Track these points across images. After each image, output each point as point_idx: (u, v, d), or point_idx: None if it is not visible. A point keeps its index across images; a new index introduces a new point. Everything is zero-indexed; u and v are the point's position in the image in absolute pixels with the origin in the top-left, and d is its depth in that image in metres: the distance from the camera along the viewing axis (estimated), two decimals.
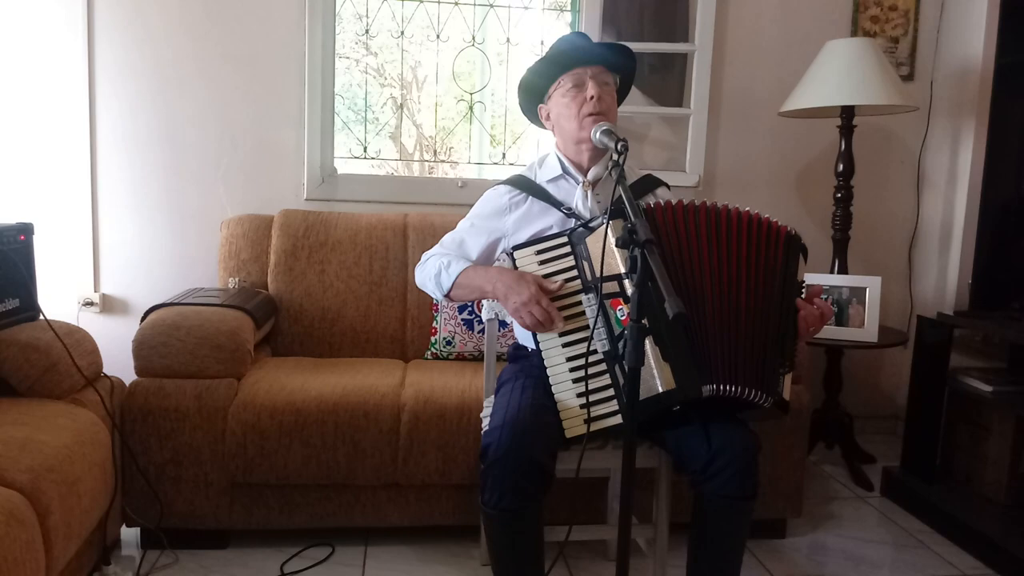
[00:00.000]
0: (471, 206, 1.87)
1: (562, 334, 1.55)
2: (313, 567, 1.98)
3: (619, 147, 1.45)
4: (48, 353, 1.78)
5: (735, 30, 2.95)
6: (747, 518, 1.52)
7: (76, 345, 1.85)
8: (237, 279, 2.50)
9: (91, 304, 2.72)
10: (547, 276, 1.58)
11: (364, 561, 2.03)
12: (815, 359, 2.71)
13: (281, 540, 2.07)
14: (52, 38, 2.60)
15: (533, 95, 1.81)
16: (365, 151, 2.96)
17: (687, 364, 1.46)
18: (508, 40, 2.95)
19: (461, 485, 2.03)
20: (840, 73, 2.55)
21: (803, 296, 1.57)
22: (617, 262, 1.50)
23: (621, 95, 1.82)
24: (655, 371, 1.46)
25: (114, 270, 2.73)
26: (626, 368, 1.26)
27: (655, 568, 1.74)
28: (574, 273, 1.57)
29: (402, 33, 2.90)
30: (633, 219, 1.28)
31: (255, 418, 1.95)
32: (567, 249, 1.59)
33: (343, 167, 2.90)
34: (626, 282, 1.48)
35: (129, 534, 2.06)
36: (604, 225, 1.50)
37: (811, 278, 2.56)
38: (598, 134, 1.62)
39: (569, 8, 3.02)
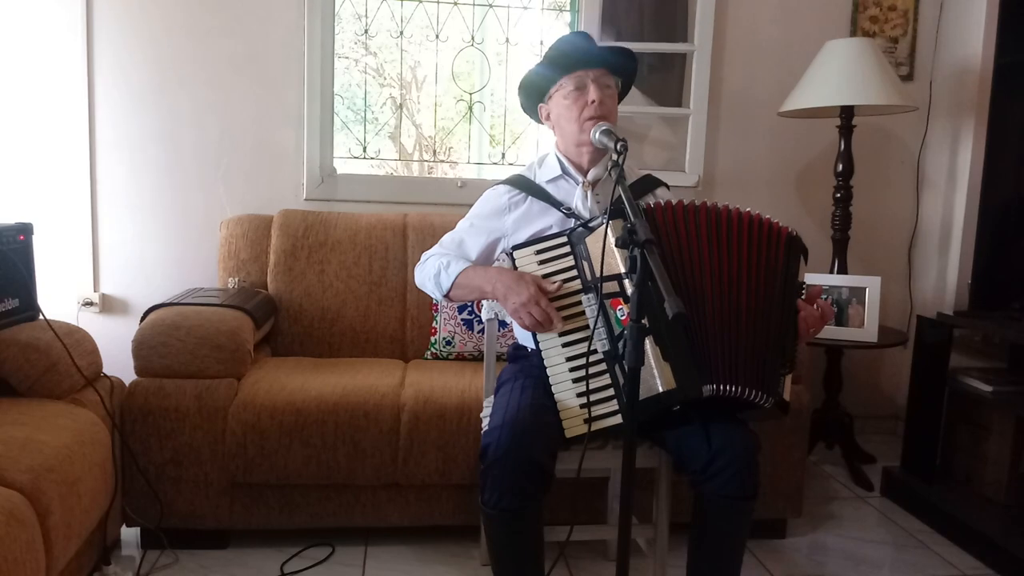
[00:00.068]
0: (470, 206, 1.87)
1: (562, 334, 1.55)
2: (313, 567, 1.98)
3: (619, 147, 1.45)
4: (48, 353, 1.78)
5: (735, 30, 2.95)
6: (747, 518, 1.52)
7: (76, 345, 1.85)
8: (237, 279, 2.50)
9: (91, 304, 2.72)
10: (547, 276, 1.58)
11: (364, 561, 2.03)
12: (815, 359, 2.71)
13: (281, 540, 2.07)
14: (52, 38, 2.60)
15: (534, 95, 1.81)
16: (364, 151, 2.96)
17: (687, 364, 1.46)
18: (507, 40, 2.95)
19: (461, 485, 2.03)
20: (840, 73, 2.55)
21: (803, 297, 1.57)
22: (617, 262, 1.50)
23: (621, 95, 1.82)
24: (655, 371, 1.46)
25: (114, 270, 2.73)
26: (626, 368, 1.26)
27: (655, 568, 1.74)
28: (574, 273, 1.57)
29: (401, 33, 2.90)
30: (633, 219, 1.28)
31: (255, 418, 1.95)
32: (567, 249, 1.59)
33: (343, 167, 2.90)
34: (626, 282, 1.48)
35: (129, 534, 2.06)
36: (604, 225, 1.50)
37: (811, 278, 2.56)
38: (597, 134, 1.63)
39: (568, 8, 3.02)
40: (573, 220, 1.70)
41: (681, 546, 1.66)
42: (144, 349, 1.97)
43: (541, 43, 2.96)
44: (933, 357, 2.45)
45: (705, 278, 1.51)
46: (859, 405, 3.09)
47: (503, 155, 3.01)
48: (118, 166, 2.69)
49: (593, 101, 1.67)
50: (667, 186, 1.84)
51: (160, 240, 2.73)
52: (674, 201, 1.57)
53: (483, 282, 1.65)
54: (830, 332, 2.59)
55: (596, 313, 1.48)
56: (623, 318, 1.48)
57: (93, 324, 2.64)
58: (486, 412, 1.77)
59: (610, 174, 1.44)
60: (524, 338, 1.82)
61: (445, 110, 3.04)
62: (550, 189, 1.78)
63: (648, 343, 1.45)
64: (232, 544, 2.07)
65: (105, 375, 1.98)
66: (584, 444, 1.47)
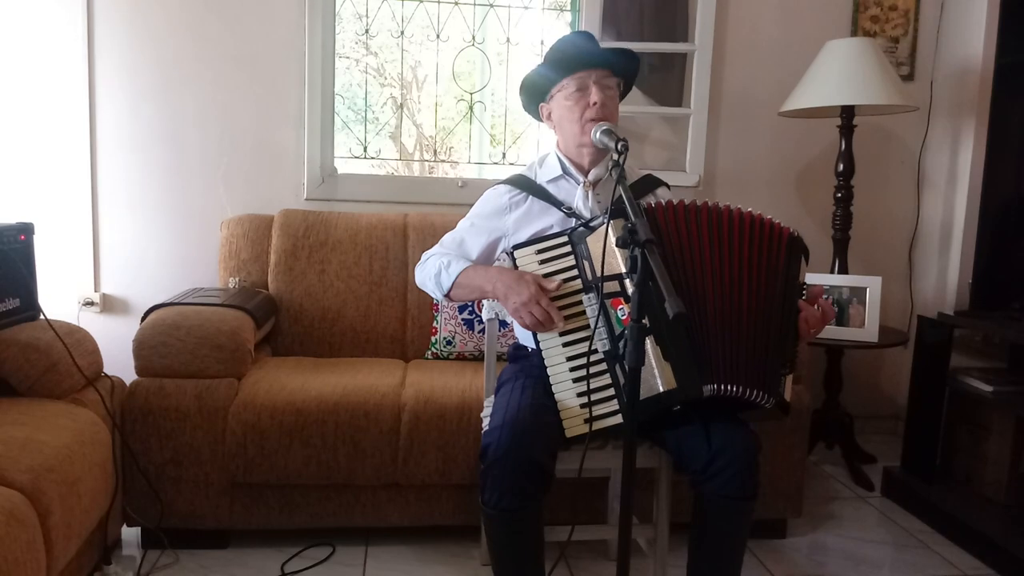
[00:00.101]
0: (471, 206, 1.87)
1: (563, 334, 1.55)
2: (313, 567, 1.98)
3: (619, 147, 1.45)
4: (48, 353, 1.78)
5: (735, 30, 2.95)
6: (748, 518, 1.52)
7: (76, 345, 1.85)
8: (237, 279, 2.50)
9: (91, 304, 2.72)
10: (547, 276, 1.58)
11: (364, 561, 2.03)
12: (815, 359, 2.72)
13: (281, 540, 2.07)
14: (52, 38, 2.60)
15: (535, 94, 1.81)
16: (365, 151, 2.96)
17: (688, 364, 1.46)
18: (508, 40, 2.95)
19: (461, 485, 2.03)
20: (840, 73, 2.55)
21: (804, 298, 1.57)
22: (618, 262, 1.50)
23: (622, 95, 1.82)
24: (656, 371, 1.46)
25: (114, 270, 2.73)
26: (627, 368, 1.26)
27: (655, 568, 1.74)
28: (574, 273, 1.57)
29: (402, 33, 2.90)
30: (633, 219, 1.28)
31: (255, 418, 1.95)
32: (567, 249, 1.59)
33: (343, 167, 2.90)
34: (627, 282, 1.48)
35: (129, 534, 2.06)
36: (605, 225, 1.50)
37: (811, 278, 2.56)
38: (598, 134, 1.62)
39: (569, 8, 3.02)
40: (574, 220, 1.70)
41: (681, 546, 1.66)
42: (144, 349, 1.97)
43: (542, 43, 2.96)
44: (933, 357, 2.45)
45: (706, 278, 1.51)
46: (859, 405, 3.09)
47: (504, 155, 3.01)
48: (119, 166, 2.69)
49: (595, 103, 1.67)
50: (668, 186, 1.84)
51: (161, 240, 2.73)
52: (675, 201, 1.57)
53: (484, 281, 1.65)
54: (830, 332, 2.59)
55: (597, 313, 1.48)
56: (624, 318, 1.48)
57: (94, 324, 2.64)
58: (486, 412, 1.77)
59: (611, 174, 1.44)
60: (525, 338, 1.82)
61: (446, 110, 3.04)
62: (551, 189, 1.78)
63: (649, 343, 1.45)
64: (232, 544, 2.07)
65: (105, 375, 1.98)
66: (585, 444, 1.47)
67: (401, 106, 3.13)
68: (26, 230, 1.88)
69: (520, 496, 1.45)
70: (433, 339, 2.45)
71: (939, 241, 3.01)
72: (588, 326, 1.52)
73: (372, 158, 3.00)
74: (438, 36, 2.91)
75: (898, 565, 2.12)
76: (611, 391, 1.51)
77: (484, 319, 1.93)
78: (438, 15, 2.89)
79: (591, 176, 1.76)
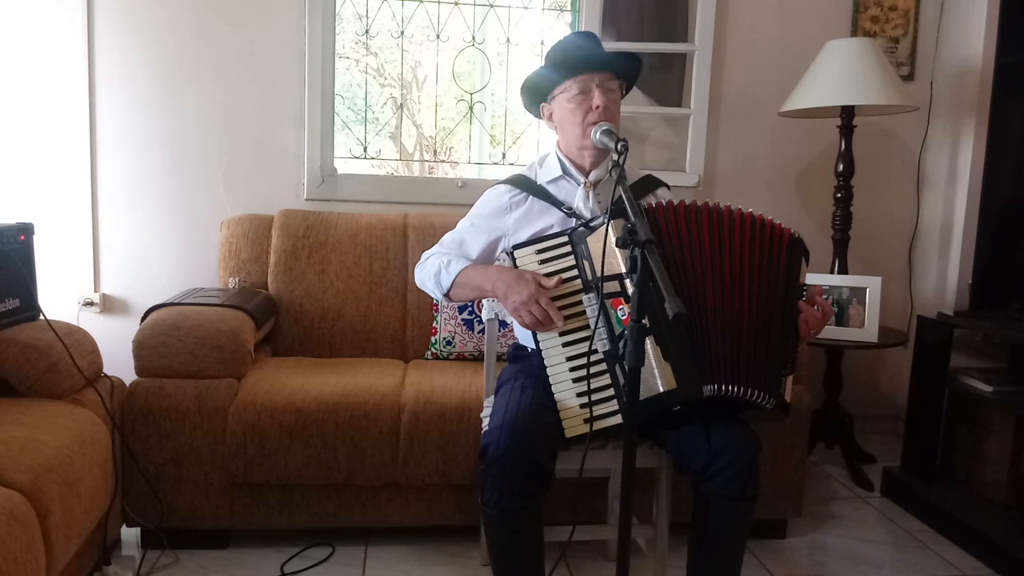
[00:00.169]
0: (471, 206, 1.87)
1: (562, 333, 1.55)
2: (313, 567, 1.98)
3: (619, 147, 1.45)
4: (48, 353, 1.77)
5: (735, 30, 2.95)
6: (748, 518, 1.52)
7: (76, 345, 1.85)
8: (237, 279, 2.50)
9: (91, 304, 2.72)
10: (548, 275, 1.58)
11: (364, 561, 2.03)
12: (815, 359, 2.72)
13: (281, 540, 2.07)
14: (52, 38, 2.60)
15: (536, 94, 1.81)
16: (365, 151, 2.96)
17: (688, 364, 1.46)
18: (508, 40, 2.95)
19: (461, 485, 2.03)
20: (840, 73, 2.55)
21: (805, 299, 1.57)
22: (618, 262, 1.50)
23: (623, 95, 1.82)
24: (656, 371, 1.46)
25: (114, 270, 2.73)
26: (626, 368, 1.26)
27: (655, 568, 1.74)
28: (575, 273, 1.57)
29: (402, 33, 2.90)
30: (633, 219, 1.28)
31: (255, 418, 1.95)
32: (567, 248, 1.59)
33: (343, 167, 2.90)
34: (627, 282, 1.48)
35: (129, 534, 2.06)
36: (605, 225, 1.50)
37: (811, 278, 2.56)
38: (598, 134, 1.63)
39: (569, 8, 3.02)
40: (574, 220, 1.70)
41: (681, 546, 1.66)
42: (144, 349, 1.97)
43: (542, 43, 2.96)
44: (933, 357, 2.45)
45: (707, 278, 1.51)
46: (859, 405, 3.09)
47: (504, 155, 3.01)
48: (119, 166, 2.69)
49: (597, 106, 1.66)
50: (668, 186, 1.84)
51: (161, 240, 2.73)
52: (675, 201, 1.57)
53: (483, 281, 1.65)
54: (830, 332, 2.59)
55: (597, 313, 1.48)
56: (624, 318, 1.48)
57: (93, 324, 2.64)
58: (486, 412, 1.77)
59: (611, 174, 1.44)
60: (524, 338, 1.82)
61: (446, 110, 3.04)
62: (551, 189, 1.78)
63: (649, 343, 1.45)
64: (232, 544, 2.07)
65: (105, 375, 1.98)
66: (586, 444, 1.47)
67: (401, 106, 3.13)
68: (26, 230, 1.88)
69: (520, 496, 1.45)
70: (433, 339, 2.46)
71: (939, 241, 3.01)
72: (588, 326, 1.52)
73: (372, 158, 3.00)
74: (438, 36, 2.91)
75: (898, 565, 2.12)
76: (611, 391, 1.51)
77: (484, 319, 1.93)
78: (438, 15, 2.90)
79: (592, 177, 1.76)
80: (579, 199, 1.75)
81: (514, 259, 1.63)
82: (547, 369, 1.55)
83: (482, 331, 2.41)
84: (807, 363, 2.24)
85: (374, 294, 2.50)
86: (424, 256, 1.82)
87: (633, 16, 2.86)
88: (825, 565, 2.11)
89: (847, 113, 2.67)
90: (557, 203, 1.75)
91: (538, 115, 1.85)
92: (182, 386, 1.97)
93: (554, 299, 1.55)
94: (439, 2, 2.88)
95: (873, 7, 3.00)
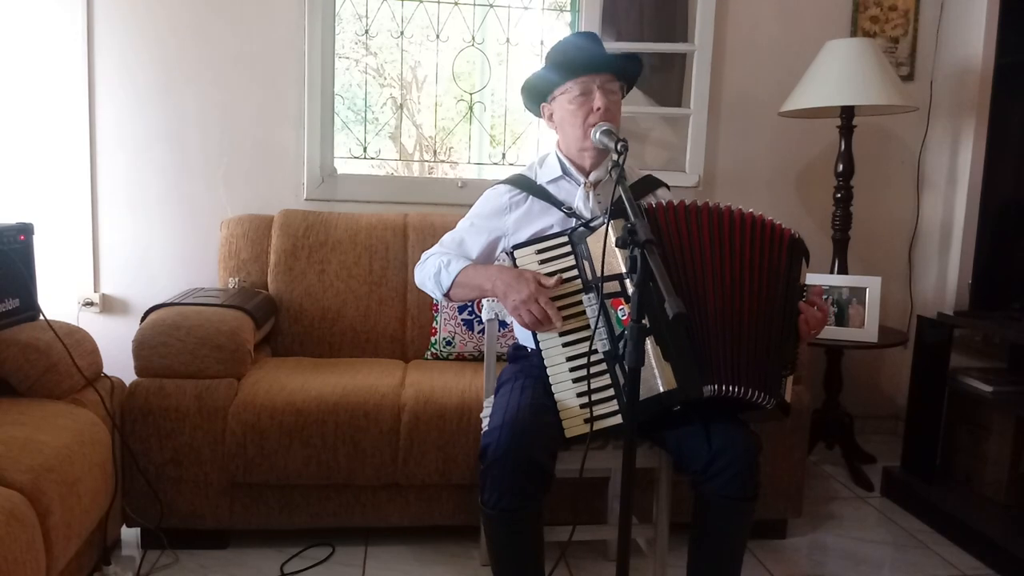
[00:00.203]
0: (471, 206, 1.87)
1: (562, 334, 1.55)
2: (313, 567, 1.98)
3: (619, 147, 1.45)
4: (48, 353, 1.77)
5: (735, 30, 2.95)
6: (748, 519, 1.52)
7: (76, 345, 1.85)
8: (237, 279, 2.50)
9: (91, 304, 2.72)
10: (548, 275, 1.58)
11: (364, 561, 2.03)
12: (815, 359, 2.71)
13: (281, 540, 2.07)
14: (52, 38, 2.60)
15: (537, 95, 1.81)
16: (365, 151, 2.96)
17: (688, 364, 1.46)
18: (508, 40, 2.95)
19: (461, 485, 2.03)
20: (840, 73, 2.55)
21: (805, 299, 1.57)
22: (619, 262, 1.50)
23: (623, 95, 1.82)
24: (656, 371, 1.46)
25: (114, 270, 2.73)
26: (626, 368, 1.26)
27: (655, 568, 1.74)
28: (575, 273, 1.57)
29: (402, 33, 2.90)
30: (633, 219, 1.28)
31: (255, 418, 1.95)
32: (567, 249, 1.59)
33: (343, 167, 2.90)
34: (627, 282, 1.48)
35: (129, 534, 2.06)
36: (605, 225, 1.50)
37: (811, 278, 2.55)
38: (598, 134, 1.63)
39: (569, 8, 3.02)
40: (574, 220, 1.70)
41: (681, 546, 1.66)
42: (144, 349, 1.97)
43: (541, 43, 2.96)
44: (933, 357, 2.45)
45: (707, 279, 1.51)
46: (859, 405, 3.09)
47: (503, 155, 3.01)
48: (119, 166, 2.69)
49: (598, 108, 1.66)
50: (667, 186, 1.84)
51: (161, 240, 2.73)
52: (675, 201, 1.57)
53: (483, 280, 1.65)
54: (830, 332, 2.59)
55: (597, 313, 1.48)
56: (624, 318, 1.48)
57: (93, 324, 2.63)
58: (486, 412, 1.77)
59: (611, 174, 1.44)
60: (524, 338, 1.82)
61: (445, 110, 3.04)
62: (551, 189, 1.78)
63: (649, 343, 1.45)
64: (232, 544, 2.07)
65: (105, 375, 1.98)
66: (586, 444, 1.47)
67: (401, 106, 3.13)
68: (26, 230, 1.88)
69: (520, 496, 1.45)
70: (433, 339, 2.45)
71: (939, 241, 3.01)
72: (588, 326, 1.52)
73: (372, 158, 3.00)
74: (438, 36, 2.91)
75: (898, 565, 2.12)
76: (611, 391, 1.50)
77: (484, 319, 1.93)
78: (438, 15, 2.90)
79: (592, 177, 1.76)
80: (579, 199, 1.75)
81: (514, 259, 1.63)
82: (547, 369, 1.55)
83: (482, 331, 2.41)
84: (807, 363, 2.24)
85: (374, 294, 2.50)
86: (424, 256, 1.82)
87: (633, 16, 2.86)
88: (825, 565, 2.11)
89: (847, 113, 2.67)
90: (557, 203, 1.75)
91: (538, 114, 1.84)
92: (182, 386, 1.97)
93: (554, 299, 1.55)
94: (439, 2, 2.88)
95: (873, 7, 3.00)
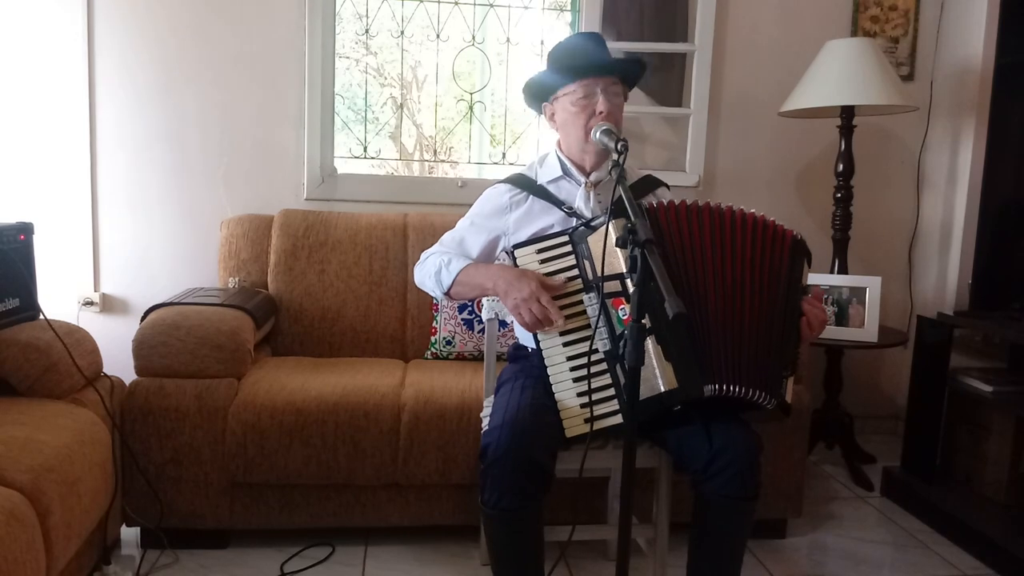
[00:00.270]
0: (471, 206, 1.87)
1: (563, 333, 1.55)
2: (313, 567, 1.98)
3: (619, 147, 1.45)
4: (48, 353, 1.77)
5: (735, 30, 2.95)
6: (748, 518, 1.52)
7: (76, 345, 1.85)
8: (237, 279, 2.50)
9: (91, 304, 2.72)
10: (548, 275, 1.58)
11: (364, 561, 2.03)
12: (815, 359, 2.71)
13: (281, 540, 2.07)
14: (52, 38, 2.60)
15: (539, 94, 1.80)
16: (365, 151, 2.96)
17: (689, 364, 1.46)
18: (508, 40, 2.95)
19: (461, 485, 2.03)
20: (840, 73, 2.55)
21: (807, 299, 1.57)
22: (620, 261, 1.50)
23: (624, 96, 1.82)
24: (657, 370, 1.45)
25: (114, 270, 2.73)
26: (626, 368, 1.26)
27: (655, 568, 1.74)
28: (575, 272, 1.57)
29: (402, 33, 2.90)
30: (634, 219, 1.28)
31: (255, 418, 1.95)
32: (568, 248, 1.59)
33: (343, 167, 2.90)
34: (628, 281, 1.48)
35: (129, 534, 2.06)
36: (606, 224, 1.50)
37: (811, 278, 2.55)
38: (598, 134, 1.62)
39: (569, 8, 3.02)
40: (574, 219, 1.70)
41: (681, 546, 1.66)
42: (144, 349, 1.97)
43: (542, 43, 2.96)
44: (933, 357, 2.45)
45: (708, 278, 1.51)
46: (859, 405, 3.09)
47: (504, 155, 3.01)
48: (119, 166, 2.69)
49: (601, 112, 1.66)
50: (667, 186, 1.84)
51: (161, 240, 2.73)
52: (677, 201, 1.57)
53: (484, 279, 1.65)
54: (830, 332, 2.59)
55: (597, 312, 1.48)
56: (625, 317, 1.47)
57: (93, 324, 2.63)
58: (486, 412, 1.77)
59: (611, 174, 1.44)
60: (525, 338, 1.82)
61: (446, 110, 3.04)
62: (551, 189, 1.78)
63: (650, 343, 1.45)
64: (232, 544, 2.07)
65: (105, 375, 1.98)
66: (586, 444, 1.47)
67: (401, 106, 3.13)
68: (26, 230, 1.88)
69: (520, 496, 1.45)
70: (433, 339, 2.45)
71: (939, 241, 3.01)
72: (589, 326, 1.52)
73: (372, 158, 3.00)
74: (438, 36, 2.91)
75: (898, 565, 2.12)
76: (611, 391, 1.50)
77: (484, 319, 1.93)
78: (438, 15, 2.89)
79: (592, 177, 1.75)
80: (580, 199, 1.75)
81: (515, 258, 1.63)
82: (548, 369, 1.55)
83: (482, 331, 2.41)
84: (807, 363, 2.24)
85: (374, 294, 2.50)
86: (423, 255, 1.82)
87: (633, 16, 2.86)
88: (825, 565, 2.11)
89: (847, 113, 2.67)
90: (558, 202, 1.75)
91: (539, 111, 1.84)
92: (182, 386, 1.97)
93: (555, 299, 1.55)
94: (439, 2, 2.88)
95: (873, 7, 3.00)
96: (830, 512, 2.44)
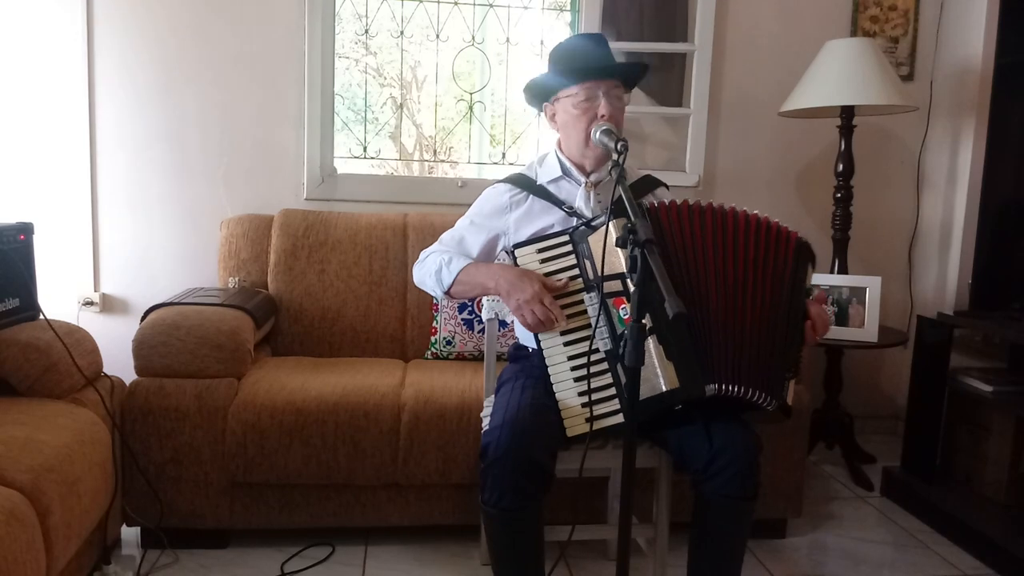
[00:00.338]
0: (471, 205, 1.86)
1: (564, 333, 1.55)
2: (313, 567, 1.98)
3: (619, 147, 1.45)
4: (48, 353, 1.77)
5: (735, 30, 2.95)
6: (748, 518, 1.52)
7: (76, 345, 1.85)
8: (237, 279, 2.50)
9: (91, 304, 2.72)
10: (548, 274, 1.58)
11: (364, 561, 2.03)
12: (815, 359, 2.71)
13: (281, 540, 2.07)
14: (52, 38, 2.60)
15: (540, 95, 1.80)
16: (365, 151, 2.96)
17: (691, 363, 1.46)
18: (508, 40, 2.95)
19: (461, 485, 2.03)
20: (840, 73, 2.55)
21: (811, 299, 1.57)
22: (620, 261, 1.50)
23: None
24: (658, 370, 1.45)
25: (114, 270, 2.73)
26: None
27: (655, 568, 1.74)
28: (575, 272, 1.57)
29: (402, 33, 2.90)
30: (634, 218, 1.28)
31: (255, 418, 1.95)
32: (568, 248, 1.59)
33: (343, 167, 2.90)
34: (629, 281, 1.48)
35: (129, 534, 2.06)
36: (606, 224, 1.50)
37: (812, 279, 2.55)
38: (598, 134, 1.62)
39: (569, 8, 3.02)
40: (575, 219, 1.70)
41: (681, 546, 1.66)
42: (144, 349, 1.97)
43: (542, 43, 2.96)
44: (933, 357, 2.45)
45: (709, 278, 1.51)
46: (859, 405, 3.09)
47: (503, 155, 3.01)
48: (119, 166, 2.69)
49: (603, 115, 1.66)
50: (667, 186, 1.84)
51: (161, 240, 2.73)
52: (678, 201, 1.57)
53: (486, 278, 1.64)
54: (830, 332, 2.56)
55: (598, 312, 1.48)
56: (626, 317, 1.47)
57: (93, 324, 2.63)
58: (486, 412, 1.77)
59: (611, 174, 1.44)
60: (525, 338, 1.82)
61: (445, 110, 3.04)
62: (551, 189, 1.78)
63: (651, 342, 1.45)
64: (232, 544, 2.07)
65: (105, 375, 1.98)
66: (586, 443, 1.47)
67: (401, 106, 3.13)
68: (26, 230, 1.88)
69: (520, 496, 1.45)
70: (433, 339, 2.45)
71: (939, 241, 3.01)
72: (589, 325, 1.52)
73: (372, 158, 3.00)
74: (438, 36, 2.91)
75: (898, 565, 2.12)
76: (612, 390, 1.50)
77: (484, 319, 1.93)
78: (438, 15, 2.90)
79: (592, 177, 1.75)
80: (580, 198, 1.75)
81: (515, 258, 1.63)
82: (548, 368, 1.55)
83: (482, 331, 2.41)
84: (807, 363, 2.24)
85: (374, 294, 2.50)
86: (423, 255, 1.82)
87: (633, 16, 2.86)
88: (825, 565, 2.11)
89: (847, 113, 2.67)
90: (558, 202, 1.75)
91: (540, 110, 1.84)
92: (182, 386, 1.97)
93: (556, 298, 1.55)
94: (439, 2, 2.88)
95: (873, 7, 3.00)
96: (830, 512, 2.44)
